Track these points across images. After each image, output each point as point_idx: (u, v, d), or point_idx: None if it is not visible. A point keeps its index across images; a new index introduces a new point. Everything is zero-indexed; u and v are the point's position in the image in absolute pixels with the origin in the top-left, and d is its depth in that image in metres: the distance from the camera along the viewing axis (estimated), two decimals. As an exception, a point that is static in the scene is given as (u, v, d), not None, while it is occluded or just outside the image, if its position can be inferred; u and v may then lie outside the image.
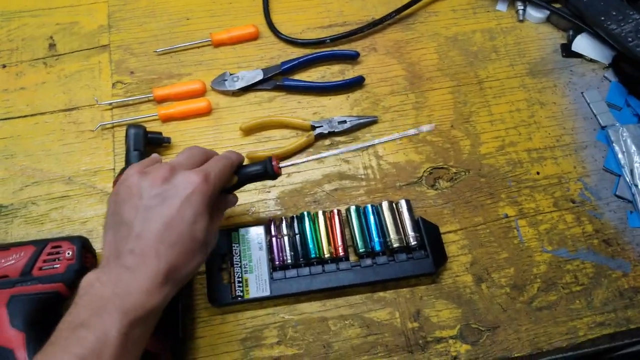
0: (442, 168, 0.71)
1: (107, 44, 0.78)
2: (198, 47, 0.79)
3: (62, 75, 0.75)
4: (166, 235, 0.45)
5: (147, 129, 0.69)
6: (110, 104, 0.74)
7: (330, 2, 0.83)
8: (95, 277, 0.44)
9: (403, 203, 0.66)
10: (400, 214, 0.66)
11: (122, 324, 0.41)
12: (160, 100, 0.74)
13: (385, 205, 0.66)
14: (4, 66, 0.76)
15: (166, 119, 0.73)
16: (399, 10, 0.81)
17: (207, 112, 0.74)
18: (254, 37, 0.79)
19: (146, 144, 0.67)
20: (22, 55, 0.77)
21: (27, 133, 0.71)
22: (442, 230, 0.66)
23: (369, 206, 0.66)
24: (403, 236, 0.64)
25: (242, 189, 0.62)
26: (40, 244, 0.58)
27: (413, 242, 0.63)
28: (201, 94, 0.75)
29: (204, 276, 0.63)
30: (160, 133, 0.70)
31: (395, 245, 0.63)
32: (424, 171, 0.71)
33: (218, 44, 0.79)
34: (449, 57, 0.80)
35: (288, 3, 0.83)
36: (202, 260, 0.49)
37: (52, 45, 0.78)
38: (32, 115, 0.73)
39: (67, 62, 0.77)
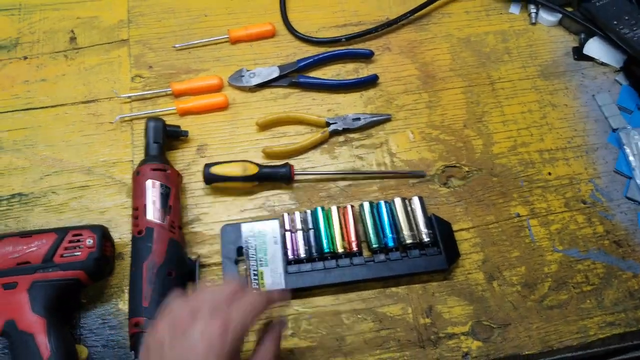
0: (454, 166, 0.72)
1: (126, 39, 0.79)
2: (216, 44, 0.80)
3: (82, 68, 0.77)
4: None
5: (166, 122, 0.70)
6: (129, 97, 0.75)
7: (346, 1, 0.84)
8: None
9: (416, 200, 0.67)
10: (413, 210, 0.67)
11: None
12: (178, 95, 0.75)
13: (398, 201, 0.67)
14: (25, 58, 0.77)
15: (184, 113, 0.74)
16: (413, 11, 0.82)
17: (224, 107, 0.75)
18: (271, 35, 0.81)
19: (165, 137, 0.68)
20: (43, 48, 0.78)
21: (48, 124, 0.73)
22: (454, 227, 0.67)
23: (382, 202, 0.67)
24: (416, 232, 0.65)
25: (258, 183, 0.63)
26: (61, 232, 0.59)
27: (426, 239, 0.64)
28: (218, 89, 0.76)
29: (220, 267, 0.64)
30: (178, 126, 0.71)
31: (408, 241, 0.64)
32: (437, 169, 0.72)
33: (235, 41, 0.80)
34: (461, 58, 0.81)
35: (304, 2, 0.84)
36: None
37: (72, 39, 0.79)
38: (52, 106, 0.74)
39: (87, 55, 0.78)
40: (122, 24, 0.80)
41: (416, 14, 0.83)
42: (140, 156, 0.69)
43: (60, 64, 0.77)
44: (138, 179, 0.64)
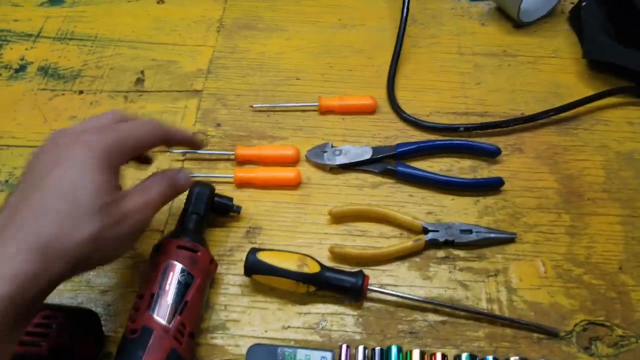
0: (602, 325, 0.49)
1: (200, 90, 0.67)
2: (302, 111, 0.65)
3: (139, 113, 0.64)
4: (38, 200, 0.37)
5: (216, 192, 0.54)
6: (184, 153, 0.60)
7: (471, 87, 0.67)
8: None
9: (542, 366, 0.44)
10: (536, 382, 0.44)
11: None
12: (241, 161, 0.60)
13: (515, 363, 0.44)
14: (81, 92, 0.66)
15: (242, 184, 0.58)
16: (558, 110, 0.63)
17: (293, 184, 0.58)
18: (370, 111, 0.65)
19: (209, 208, 0.52)
20: (104, 85, 0.67)
21: (79, 169, 0.59)
22: (598, 423, 0.43)
23: (490, 359, 0.45)
24: (537, 419, 0.42)
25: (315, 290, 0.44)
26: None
27: None
28: (292, 162, 0.60)
29: (233, 407, 0.44)
30: (230, 199, 0.54)
31: None
32: (576, 325, 0.49)
33: (325, 111, 0.64)
34: (620, 178, 0.59)
35: (418, 81, 0.68)
36: (100, 231, 0.38)
37: (140, 80, 0.67)
38: (91, 150, 0.61)
39: (150, 101, 0.66)
40: (199, 73, 0.68)
41: (561, 115, 0.64)
42: (173, 227, 0.52)
43: (117, 104, 0.65)
44: (157, 256, 0.47)
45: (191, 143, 0.50)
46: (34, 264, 0.35)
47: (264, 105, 0.65)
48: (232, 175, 0.58)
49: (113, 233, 0.39)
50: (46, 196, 0.37)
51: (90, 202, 0.38)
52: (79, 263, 0.37)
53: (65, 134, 0.42)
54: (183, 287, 0.45)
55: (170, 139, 0.47)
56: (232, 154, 0.60)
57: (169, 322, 0.43)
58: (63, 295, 0.50)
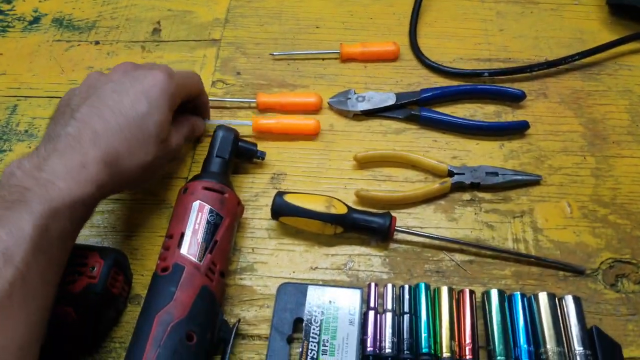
0: (629, 263, 0.49)
1: (218, 39, 0.66)
2: (322, 59, 0.64)
3: (158, 63, 0.63)
4: (111, 120, 0.41)
5: (241, 136, 0.53)
6: (204, 102, 0.60)
7: (494, 34, 0.66)
8: (18, 164, 0.37)
9: (570, 301, 0.44)
10: (564, 316, 0.44)
11: (40, 214, 0.34)
12: (263, 109, 0.60)
13: (543, 298, 0.44)
14: (97, 42, 0.66)
15: (261, 131, 0.57)
16: (582, 55, 0.62)
17: (313, 134, 0.57)
18: (392, 58, 0.64)
19: (233, 152, 0.52)
20: (120, 35, 0.66)
21: (100, 117, 0.59)
22: (625, 354, 0.44)
23: (518, 295, 0.45)
24: (566, 349, 0.42)
25: (343, 231, 0.44)
26: (63, 248, 0.43)
27: (582, 363, 0.41)
28: (314, 110, 0.59)
29: (264, 343, 0.44)
30: (254, 144, 0.54)
31: (554, 361, 0.41)
32: (602, 262, 0.49)
33: (347, 58, 0.63)
34: (645, 121, 0.59)
35: (440, 28, 0.67)
36: (153, 160, 0.44)
37: (156, 30, 0.67)
38: (112, 99, 0.60)
39: (167, 50, 0.65)
40: (217, 23, 0.67)
41: (584, 60, 0.63)
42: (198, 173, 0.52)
43: (134, 54, 0.64)
44: (184, 197, 0.47)
45: (204, 108, 0.56)
46: (105, 175, 0.39)
47: (284, 53, 0.64)
48: (251, 122, 0.57)
49: (160, 162, 0.45)
50: (119, 118, 0.41)
51: (156, 134, 0.43)
52: (129, 183, 0.43)
53: (134, 67, 0.46)
54: (212, 227, 0.45)
55: (202, 95, 0.54)
56: (254, 102, 0.59)
57: (200, 259, 0.43)
58: (89, 239, 0.51)
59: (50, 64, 0.64)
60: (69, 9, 0.70)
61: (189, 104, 0.51)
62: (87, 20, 0.68)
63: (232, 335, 0.43)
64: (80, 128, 0.40)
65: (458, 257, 0.49)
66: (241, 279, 0.49)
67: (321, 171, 0.55)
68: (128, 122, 0.42)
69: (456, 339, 0.43)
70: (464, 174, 0.53)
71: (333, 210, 0.48)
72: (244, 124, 0.57)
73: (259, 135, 0.58)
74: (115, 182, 0.41)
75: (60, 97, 0.55)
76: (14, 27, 0.68)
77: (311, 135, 0.58)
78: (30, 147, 0.58)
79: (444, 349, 0.42)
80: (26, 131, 0.59)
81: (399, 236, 0.50)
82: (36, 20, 0.69)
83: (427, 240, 0.50)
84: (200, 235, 0.44)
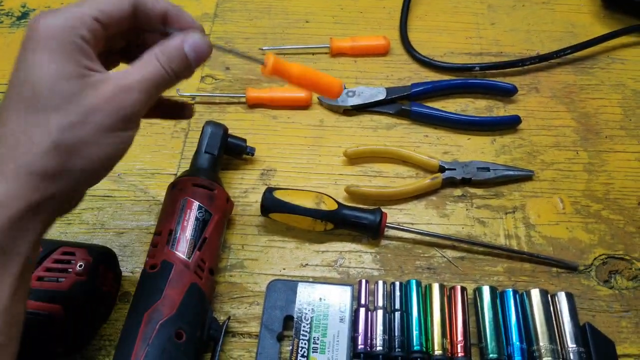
0: (621, 259, 0.49)
1: (207, 34, 0.65)
2: (312, 54, 0.63)
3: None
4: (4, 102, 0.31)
5: (230, 132, 0.53)
6: (193, 97, 0.59)
7: (485, 28, 0.66)
8: None
9: (563, 298, 0.44)
10: (557, 313, 0.44)
11: None
12: (252, 105, 0.59)
13: (535, 294, 0.44)
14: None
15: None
16: (574, 49, 0.62)
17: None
18: (383, 52, 0.63)
19: (222, 148, 0.51)
20: (109, 30, 0.65)
21: (88, 114, 0.58)
22: (618, 350, 0.43)
23: (510, 291, 0.45)
24: (559, 347, 0.42)
25: (333, 227, 0.44)
26: (49, 246, 0.42)
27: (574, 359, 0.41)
28: (304, 105, 0.59)
29: (254, 340, 0.44)
30: (244, 140, 0.53)
31: (546, 358, 0.41)
32: (595, 259, 0.49)
33: (337, 53, 0.63)
34: (637, 115, 0.59)
35: (431, 22, 0.66)
36: (58, 136, 0.30)
37: (145, 25, 0.66)
38: (100, 95, 0.60)
39: (156, 45, 0.64)
40: (206, 17, 0.66)
41: (576, 54, 0.62)
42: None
43: (123, 49, 0.63)
44: (172, 194, 0.46)
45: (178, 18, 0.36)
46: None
47: (274, 47, 0.63)
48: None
49: (79, 135, 0.30)
50: (8, 95, 0.31)
51: (46, 94, 0.30)
52: (53, 180, 0.30)
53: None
54: (201, 224, 0.44)
55: (145, 12, 0.35)
56: (243, 97, 0.59)
57: (189, 257, 0.42)
58: (78, 236, 0.50)
59: (37, 60, 0.63)
60: (57, 3, 0.69)
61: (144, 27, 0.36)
62: (74, 15, 0.67)
63: (222, 333, 0.43)
64: None
65: (449, 253, 0.49)
66: (231, 276, 0.48)
67: (311, 167, 0.55)
68: (13, 96, 0.30)
69: (448, 337, 0.43)
70: (455, 169, 0.53)
71: (323, 207, 0.47)
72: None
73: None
74: (31, 189, 0.29)
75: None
76: (2, 22, 0.67)
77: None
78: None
79: (436, 347, 0.42)
80: (13, 128, 0.58)
81: (390, 232, 0.50)
82: (24, 15, 0.68)
83: (418, 237, 0.50)
84: (189, 232, 0.43)
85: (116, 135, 0.32)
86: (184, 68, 0.35)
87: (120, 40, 0.37)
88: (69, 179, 0.31)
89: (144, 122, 0.56)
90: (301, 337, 0.43)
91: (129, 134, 0.33)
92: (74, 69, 0.31)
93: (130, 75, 0.32)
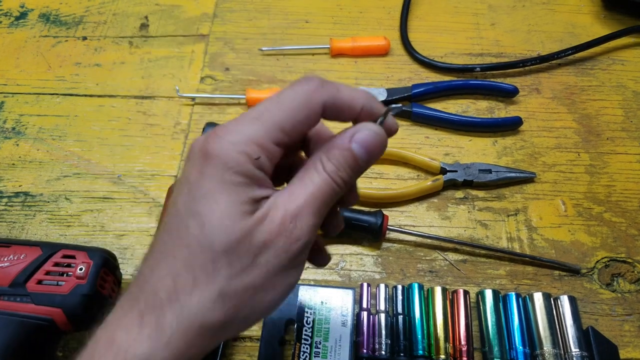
0: (624, 262, 0.49)
1: (206, 34, 0.65)
2: (312, 54, 0.63)
3: (145, 59, 0.62)
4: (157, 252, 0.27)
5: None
6: (193, 98, 0.59)
7: (486, 29, 0.65)
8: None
9: (565, 302, 0.44)
10: (559, 317, 0.43)
11: None
12: (252, 105, 0.58)
13: (538, 298, 0.44)
14: (85, 38, 0.64)
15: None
16: (575, 50, 0.61)
17: None
18: (383, 52, 0.63)
19: (221, 151, 0.51)
20: (108, 31, 0.65)
21: (87, 115, 0.58)
22: (621, 354, 0.43)
23: (513, 295, 0.44)
24: (562, 351, 0.42)
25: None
26: (49, 249, 0.42)
27: (578, 365, 0.41)
28: (304, 106, 0.58)
29: (255, 345, 0.44)
30: (243, 142, 0.53)
31: (549, 362, 0.41)
32: (598, 262, 0.49)
33: (337, 53, 0.62)
34: (638, 117, 0.58)
35: (431, 22, 0.66)
36: (224, 288, 0.26)
37: (144, 26, 0.65)
38: (99, 96, 0.59)
39: (155, 46, 0.63)
40: (205, 18, 0.66)
41: (577, 54, 0.62)
42: (186, 171, 0.51)
43: (122, 50, 0.63)
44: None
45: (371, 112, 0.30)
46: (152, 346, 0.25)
47: (273, 48, 0.63)
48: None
49: (248, 281, 0.26)
50: (169, 221, 0.27)
51: (217, 234, 0.25)
52: (214, 335, 0.26)
53: (200, 141, 0.27)
54: (201, 228, 0.44)
55: (336, 109, 0.28)
56: (243, 98, 0.58)
57: (189, 261, 0.42)
58: (78, 239, 0.49)
59: (38, 60, 0.63)
60: (56, 4, 0.68)
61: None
62: (74, 15, 0.66)
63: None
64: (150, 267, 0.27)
65: (452, 256, 0.49)
66: (231, 279, 0.48)
67: (312, 169, 0.54)
68: (173, 245, 0.26)
69: (451, 341, 0.42)
70: (456, 171, 0.52)
71: (324, 210, 0.47)
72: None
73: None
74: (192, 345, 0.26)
75: (47, 94, 0.54)
76: (1, 22, 0.67)
77: None
78: (17, 145, 0.56)
79: (441, 351, 0.42)
80: (13, 128, 0.58)
81: (392, 235, 0.49)
82: (23, 15, 0.67)
83: (420, 239, 0.49)
84: (189, 236, 0.43)
85: (286, 275, 0.27)
86: (355, 173, 0.28)
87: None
88: (229, 331, 0.27)
89: (143, 123, 0.56)
90: (303, 341, 0.42)
91: (298, 271, 0.28)
92: (248, 205, 0.26)
93: (296, 198, 0.27)
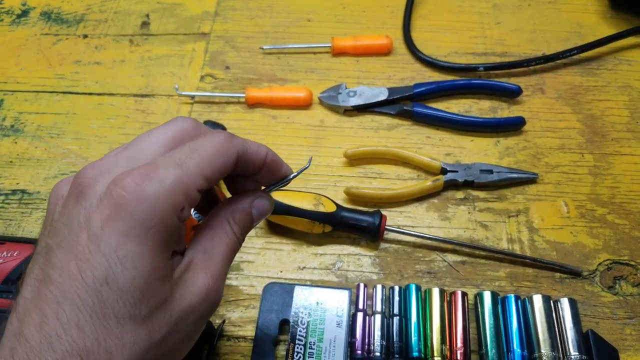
0: (627, 264, 0.48)
1: (207, 32, 0.64)
2: (314, 53, 0.63)
3: (145, 57, 0.62)
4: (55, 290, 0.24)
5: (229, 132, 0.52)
6: (192, 97, 0.59)
7: (490, 28, 0.64)
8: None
9: (566, 304, 0.43)
10: (559, 319, 0.42)
11: None
12: (252, 104, 0.58)
13: (537, 300, 0.43)
14: (85, 36, 0.64)
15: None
16: (580, 49, 0.60)
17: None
18: (385, 52, 0.62)
19: (219, 149, 0.50)
20: (109, 29, 0.65)
21: (85, 113, 0.58)
22: (622, 358, 0.42)
23: (512, 297, 0.44)
24: (561, 354, 0.41)
25: (331, 230, 0.43)
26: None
27: (577, 369, 0.40)
28: (305, 105, 0.58)
29: (249, 344, 0.43)
30: (241, 141, 0.52)
31: (548, 367, 0.40)
32: (600, 264, 0.48)
33: (339, 52, 0.62)
34: (645, 118, 0.57)
35: (435, 21, 0.65)
36: (144, 352, 0.24)
37: (145, 24, 0.65)
38: (98, 94, 0.59)
39: (156, 44, 0.63)
40: (206, 16, 0.66)
41: (582, 54, 0.61)
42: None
43: (122, 48, 0.63)
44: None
45: (265, 167, 0.31)
46: None
47: (274, 46, 0.62)
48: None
49: (166, 348, 0.25)
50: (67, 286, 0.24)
51: (138, 298, 0.24)
52: None
53: (95, 176, 0.26)
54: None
55: (247, 155, 0.29)
56: (243, 97, 0.58)
57: (183, 260, 0.41)
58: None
59: (38, 58, 0.63)
60: (57, 2, 0.68)
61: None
62: (75, 13, 0.66)
63: (217, 337, 0.42)
64: (32, 300, 0.25)
65: (450, 257, 0.48)
66: (227, 278, 0.47)
67: (310, 168, 0.54)
68: (82, 293, 0.23)
69: (447, 343, 0.42)
70: (457, 171, 0.52)
71: (321, 209, 0.46)
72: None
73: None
74: None
75: (47, 92, 0.54)
76: (2, 20, 0.67)
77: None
78: (16, 143, 0.56)
79: (435, 353, 0.41)
80: (12, 126, 0.58)
81: (390, 235, 0.49)
82: (24, 13, 0.67)
83: (418, 240, 0.49)
84: (183, 235, 0.42)
85: (200, 328, 0.28)
86: (249, 230, 0.32)
87: None
88: None
89: (142, 122, 0.55)
90: (297, 341, 0.42)
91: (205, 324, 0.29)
92: (167, 263, 0.25)
93: (212, 258, 0.28)
